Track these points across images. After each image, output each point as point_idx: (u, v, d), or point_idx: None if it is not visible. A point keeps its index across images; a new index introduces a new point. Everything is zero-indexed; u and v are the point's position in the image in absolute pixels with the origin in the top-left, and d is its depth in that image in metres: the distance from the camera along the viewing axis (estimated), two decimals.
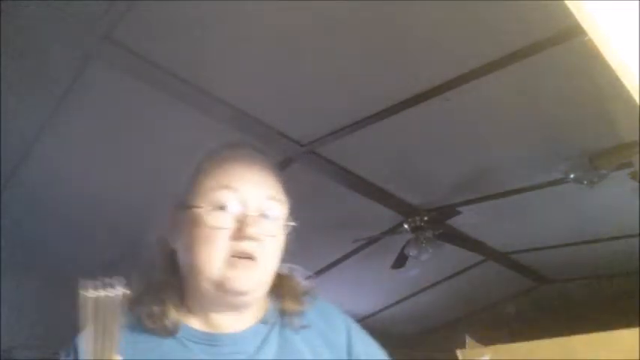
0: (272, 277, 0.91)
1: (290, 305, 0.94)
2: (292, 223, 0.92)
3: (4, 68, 1.92)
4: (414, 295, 4.69)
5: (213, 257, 0.85)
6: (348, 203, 3.23)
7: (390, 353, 0.99)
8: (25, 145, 2.42)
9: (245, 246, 0.85)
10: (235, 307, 0.89)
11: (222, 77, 2.19)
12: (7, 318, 3.13)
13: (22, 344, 3.19)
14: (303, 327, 0.93)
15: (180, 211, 0.90)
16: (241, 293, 0.86)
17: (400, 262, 3.67)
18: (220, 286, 0.85)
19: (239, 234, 0.85)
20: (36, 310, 3.25)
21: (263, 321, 0.92)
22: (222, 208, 0.86)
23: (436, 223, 3.44)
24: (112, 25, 1.89)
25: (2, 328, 3.10)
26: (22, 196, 2.71)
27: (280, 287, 0.95)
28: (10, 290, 3.12)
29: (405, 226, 3.46)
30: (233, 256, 0.85)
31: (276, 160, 1.00)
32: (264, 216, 0.88)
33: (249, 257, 0.85)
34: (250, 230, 0.85)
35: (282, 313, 0.94)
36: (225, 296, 0.86)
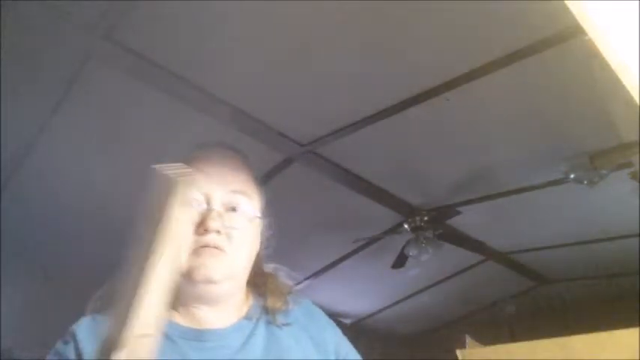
0: (244, 270, 0.94)
1: (274, 303, 0.96)
2: (259, 216, 0.96)
3: (4, 68, 1.92)
4: (414, 295, 4.69)
5: None
6: (348, 203, 3.22)
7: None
8: (25, 145, 2.42)
9: (209, 239, 0.88)
10: (210, 300, 0.90)
11: (222, 77, 2.19)
12: (7, 318, 3.13)
13: (22, 344, 3.19)
14: (288, 324, 0.95)
15: None
16: (210, 281, 0.88)
17: (400, 262, 3.66)
18: (189, 276, 0.87)
19: (202, 228, 0.88)
20: (36, 310, 3.25)
21: (247, 317, 0.93)
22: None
23: (436, 223, 3.44)
24: (112, 25, 1.89)
25: (2, 328, 3.10)
26: (22, 196, 2.71)
27: (264, 285, 0.98)
28: (10, 290, 3.12)
29: (405, 226, 3.46)
30: (199, 248, 0.88)
31: (248, 159, 1.02)
32: (231, 210, 0.91)
33: (214, 248, 0.88)
34: (213, 224, 0.88)
35: (266, 310, 0.96)
36: (196, 287, 0.88)
